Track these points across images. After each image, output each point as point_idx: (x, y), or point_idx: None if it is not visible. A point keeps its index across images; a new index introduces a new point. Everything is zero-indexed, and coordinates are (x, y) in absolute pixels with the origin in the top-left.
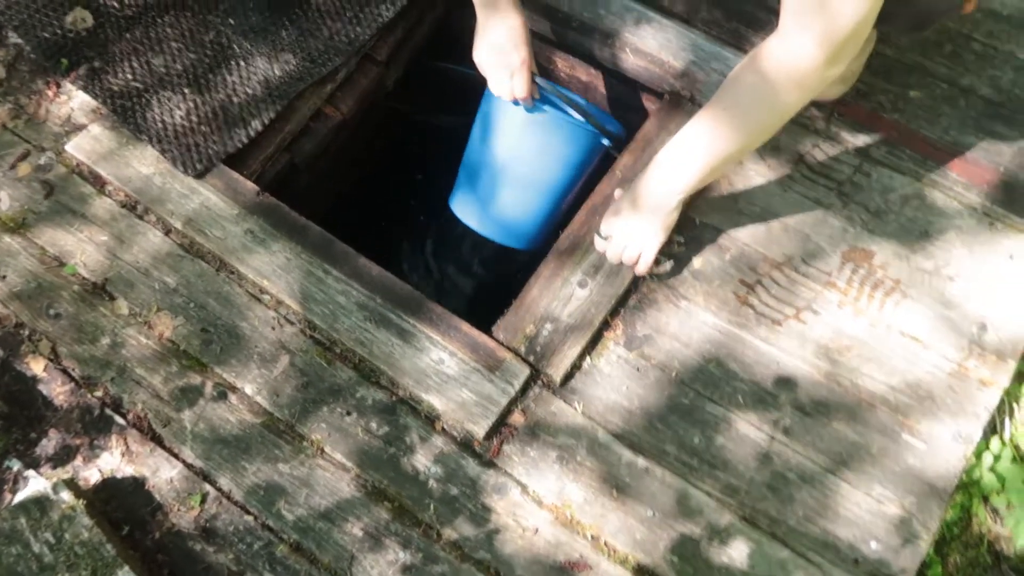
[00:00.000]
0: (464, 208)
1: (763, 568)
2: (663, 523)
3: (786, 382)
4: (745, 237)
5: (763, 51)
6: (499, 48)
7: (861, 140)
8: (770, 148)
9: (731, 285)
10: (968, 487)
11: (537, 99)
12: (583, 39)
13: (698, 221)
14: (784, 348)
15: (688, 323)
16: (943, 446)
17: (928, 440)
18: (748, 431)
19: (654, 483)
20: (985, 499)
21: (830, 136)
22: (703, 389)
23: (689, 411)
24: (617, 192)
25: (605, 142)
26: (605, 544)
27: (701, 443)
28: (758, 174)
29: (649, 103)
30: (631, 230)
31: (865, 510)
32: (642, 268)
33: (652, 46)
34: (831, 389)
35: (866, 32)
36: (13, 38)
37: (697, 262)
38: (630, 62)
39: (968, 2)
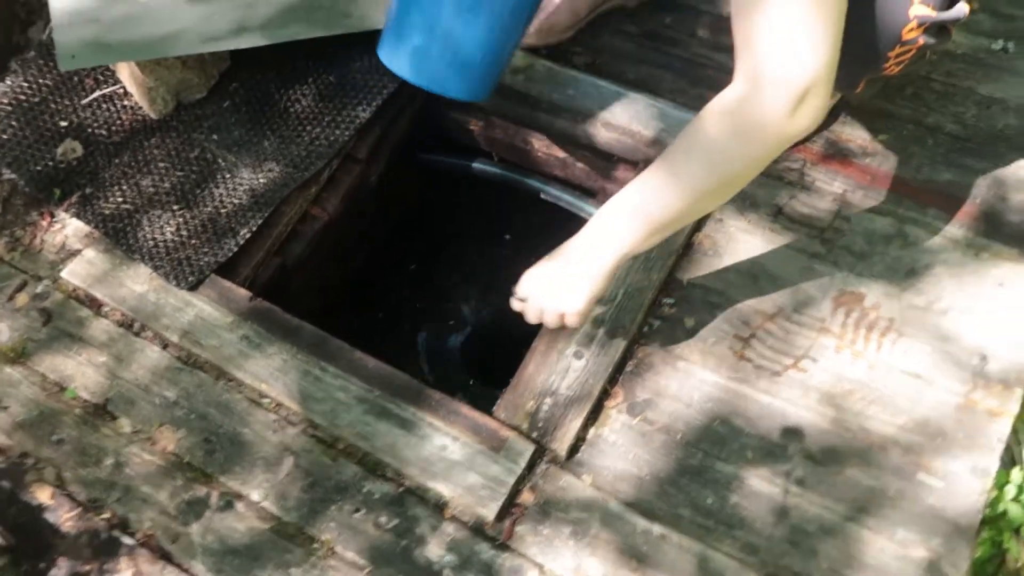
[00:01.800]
0: (397, 52)
1: None
2: None
3: (793, 432)
4: (734, 292)
5: (716, 104)
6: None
7: (837, 186)
8: (748, 203)
9: (726, 341)
10: (996, 521)
11: None
12: (555, 119)
13: (685, 281)
14: (787, 398)
15: (687, 383)
16: (961, 482)
17: (945, 477)
18: (761, 486)
19: (672, 550)
20: (1016, 532)
21: (805, 186)
22: (710, 448)
23: (699, 472)
24: None
25: None
26: None
27: (715, 503)
28: (739, 229)
29: (626, 172)
30: (553, 294)
31: (891, 556)
32: (569, 325)
33: (622, 119)
34: (839, 435)
35: (829, 81)
36: (7, 174)
37: (689, 322)
38: (603, 136)
39: (891, 65)
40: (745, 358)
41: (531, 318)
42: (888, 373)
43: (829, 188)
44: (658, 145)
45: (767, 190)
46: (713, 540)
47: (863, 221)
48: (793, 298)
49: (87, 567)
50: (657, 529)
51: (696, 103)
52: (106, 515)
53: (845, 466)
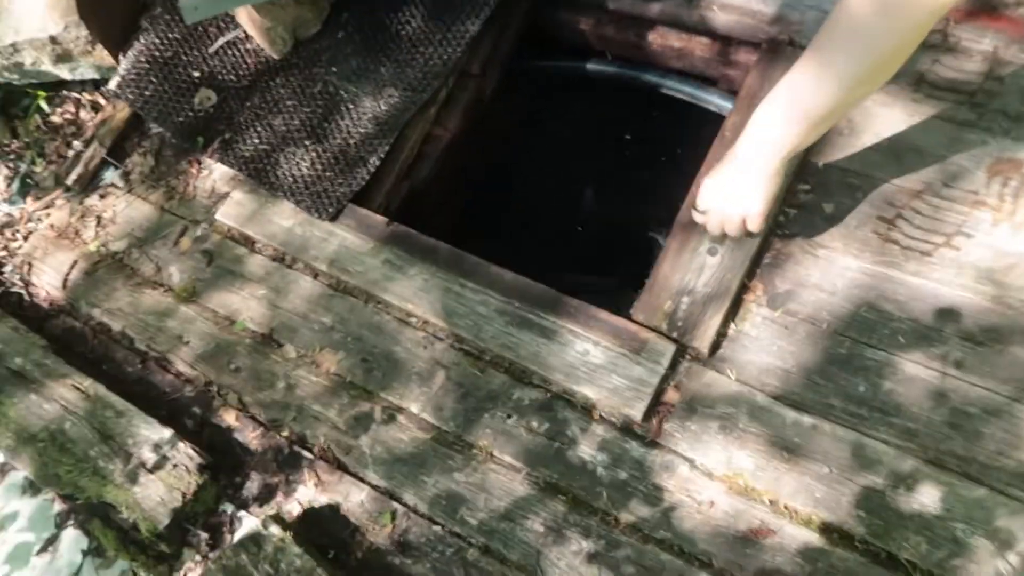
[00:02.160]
0: None
1: (960, 509)
2: (842, 478)
3: (949, 314)
4: (875, 171)
5: None
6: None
7: (986, 44)
8: None
9: (869, 224)
10: None
11: None
12: (668, 7)
13: (821, 164)
14: (940, 279)
15: (830, 271)
16: None
17: None
18: (916, 371)
19: (824, 439)
20: None
21: (950, 47)
22: (859, 336)
23: (848, 360)
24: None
25: None
26: (785, 507)
27: (867, 391)
28: (877, 103)
29: (748, 56)
30: (731, 201)
31: None
32: (752, 229)
33: None
34: (1001, 313)
35: None
36: (154, 129)
37: (828, 207)
38: (720, 19)
39: None
40: (891, 240)
41: (713, 229)
42: None
43: (977, 47)
44: (781, 22)
45: None
46: (867, 428)
47: (1018, 79)
48: (942, 172)
49: (275, 479)
50: (807, 420)
51: None
52: (285, 433)
53: (1009, 345)
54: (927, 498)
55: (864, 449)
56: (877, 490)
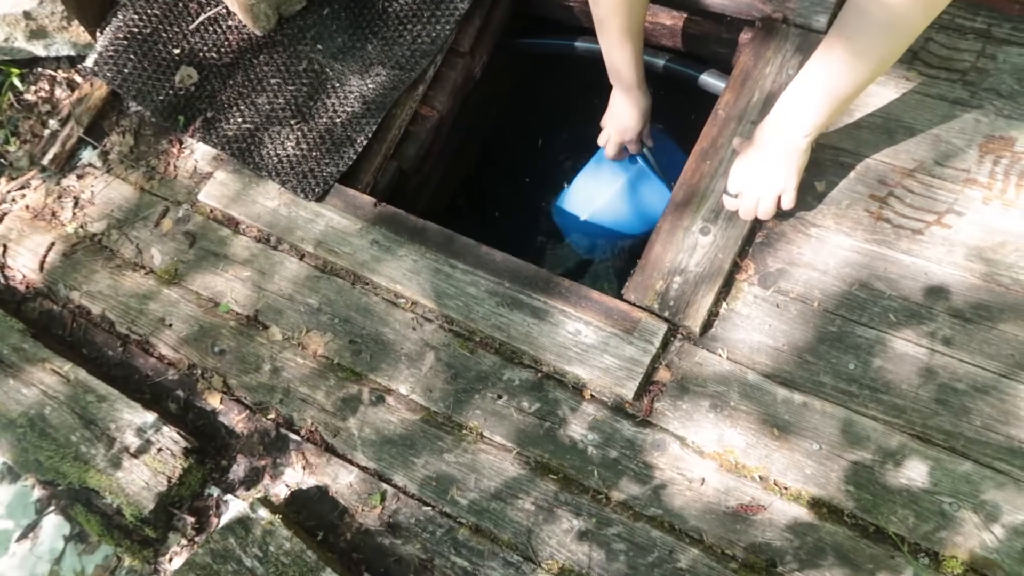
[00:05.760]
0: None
1: (947, 484)
2: (831, 454)
3: (939, 291)
4: (867, 150)
5: None
6: (623, 124)
7: (979, 22)
8: None
9: (861, 203)
10: None
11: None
12: None
13: (813, 143)
14: (931, 257)
15: (822, 250)
16: None
17: None
18: (906, 348)
19: (814, 416)
20: None
21: (943, 25)
22: (850, 314)
23: (839, 338)
24: (736, 141)
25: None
26: (775, 483)
27: (857, 369)
28: None
29: (741, 34)
30: (763, 181)
31: None
32: (786, 206)
33: None
34: (991, 291)
35: None
36: (133, 107)
37: (820, 186)
38: None
39: None
40: (883, 218)
41: (746, 212)
42: None
43: (971, 24)
44: (774, 0)
45: None
46: (857, 404)
47: (1011, 58)
48: (934, 150)
49: (262, 462)
50: (798, 397)
51: None
52: (272, 416)
53: (997, 322)
54: (914, 473)
55: (853, 426)
56: (866, 466)
